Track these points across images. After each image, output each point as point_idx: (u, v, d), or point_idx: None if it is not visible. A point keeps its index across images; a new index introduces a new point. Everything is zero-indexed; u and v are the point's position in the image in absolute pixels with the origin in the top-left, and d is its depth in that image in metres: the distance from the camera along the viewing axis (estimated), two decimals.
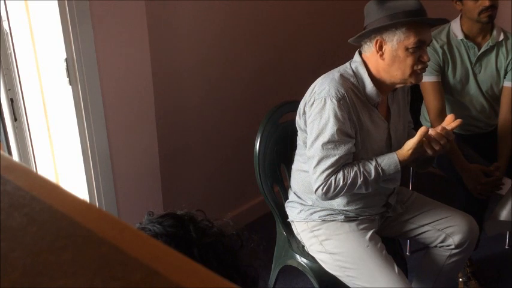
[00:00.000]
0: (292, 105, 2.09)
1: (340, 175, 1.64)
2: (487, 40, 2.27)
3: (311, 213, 1.84)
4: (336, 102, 1.62)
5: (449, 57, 2.26)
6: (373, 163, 1.67)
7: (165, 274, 0.32)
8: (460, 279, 2.36)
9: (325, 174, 1.64)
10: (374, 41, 1.67)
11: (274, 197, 2.01)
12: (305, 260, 1.88)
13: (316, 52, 2.94)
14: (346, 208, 1.79)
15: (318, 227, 1.83)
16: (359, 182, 1.64)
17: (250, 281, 0.89)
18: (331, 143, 1.63)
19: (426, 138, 1.65)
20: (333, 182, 1.64)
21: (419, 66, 1.67)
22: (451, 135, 1.66)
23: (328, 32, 2.96)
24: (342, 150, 1.64)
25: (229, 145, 2.66)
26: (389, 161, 1.67)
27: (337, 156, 1.63)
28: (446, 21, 1.89)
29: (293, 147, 1.93)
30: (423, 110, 2.41)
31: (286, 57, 2.80)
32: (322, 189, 1.64)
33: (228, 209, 2.71)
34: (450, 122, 1.69)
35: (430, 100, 2.25)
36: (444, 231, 1.87)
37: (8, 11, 1.78)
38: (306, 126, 1.72)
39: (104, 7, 1.82)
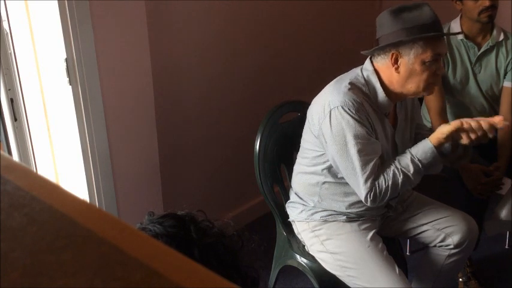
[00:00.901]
0: (292, 105, 2.09)
1: (381, 179, 1.63)
2: (487, 40, 2.27)
3: (312, 214, 1.84)
4: (354, 111, 1.61)
5: (449, 57, 2.26)
6: (408, 156, 1.66)
7: (165, 274, 0.32)
8: (460, 279, 2.36)
9: (369, 182, 1.63)
10: (389, 54, 1.65)
11: (274, 197, 2.01)
12: (305, 260, 1.88)
13: (316, 52, 2.94)
14: (348, 210, 1.79)
15: (319, 227, 1.82)
16: (400, 180, 1.63)
17: (250, 282, 0.89)
18: (364, 148, 1.61)
19: (464, 128, 1.62)
20: (377, 188, 1.63)
21: (434, 79, 1.66)
22: (493, 131, 1.63)
23: (329, 32, 2.96)
24: (375, 152, 1.64)
25: (229, 145, 2.66)
26: (424, 149, 1.65)
27: (374, 160, 1.63)
28: (461, 33, 1.90)
29: (293, 147, 1.93)
30: (423, 109, 2.41)
31: (286, 57, 2.79)
32: (370, 197, 1.64)
33: (228, 209, 2.71)
34: (498, 121, 1.64)
35: (431, 99, 2.25)
36: (443, 231, 1.87)
37: (8, 11, 1.78)
38: (320, 135, 1.70)
39: (104, 7, 1.82)
